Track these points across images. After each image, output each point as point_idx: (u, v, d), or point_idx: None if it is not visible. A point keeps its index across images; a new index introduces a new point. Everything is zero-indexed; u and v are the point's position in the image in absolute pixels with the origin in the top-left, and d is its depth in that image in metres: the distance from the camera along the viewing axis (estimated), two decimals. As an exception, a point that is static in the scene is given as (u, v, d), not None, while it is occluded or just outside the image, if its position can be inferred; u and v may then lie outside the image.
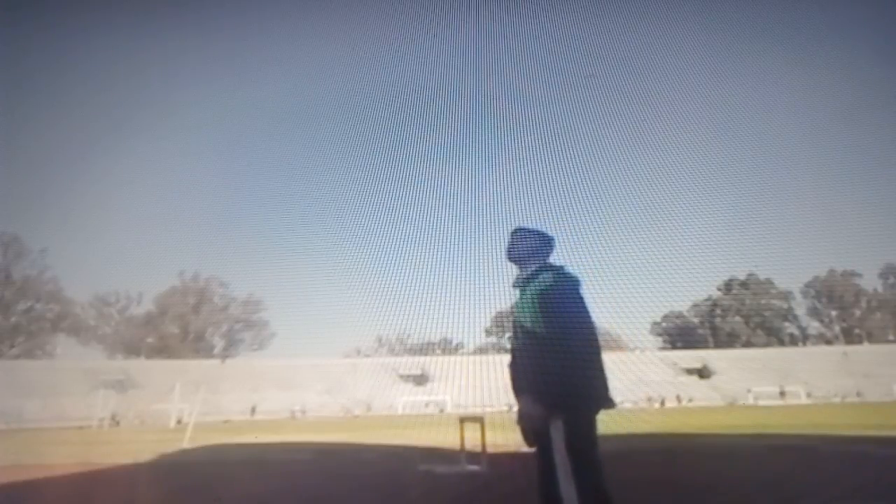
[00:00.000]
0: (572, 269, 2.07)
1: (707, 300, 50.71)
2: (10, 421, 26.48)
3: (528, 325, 1.95)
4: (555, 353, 1.85)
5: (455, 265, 3.78)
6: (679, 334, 51.26)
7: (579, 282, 2.01)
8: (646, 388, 33.18)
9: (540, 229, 2.25)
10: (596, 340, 1.91)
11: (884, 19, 6.20)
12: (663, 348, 48.18)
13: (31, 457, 9.43)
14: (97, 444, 12.62)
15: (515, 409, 1.93)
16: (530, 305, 1.96)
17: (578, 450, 1.75)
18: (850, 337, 48.54)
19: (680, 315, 52.14)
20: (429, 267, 3.91)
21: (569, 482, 1.70)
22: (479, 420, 6.39)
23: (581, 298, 1.95)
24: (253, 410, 32.08)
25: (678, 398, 34.60)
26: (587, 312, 1.93)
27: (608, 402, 1.85)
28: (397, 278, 4.08)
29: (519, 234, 2.23)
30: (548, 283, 1.98)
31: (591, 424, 1.82)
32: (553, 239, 2.21)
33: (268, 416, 31.02)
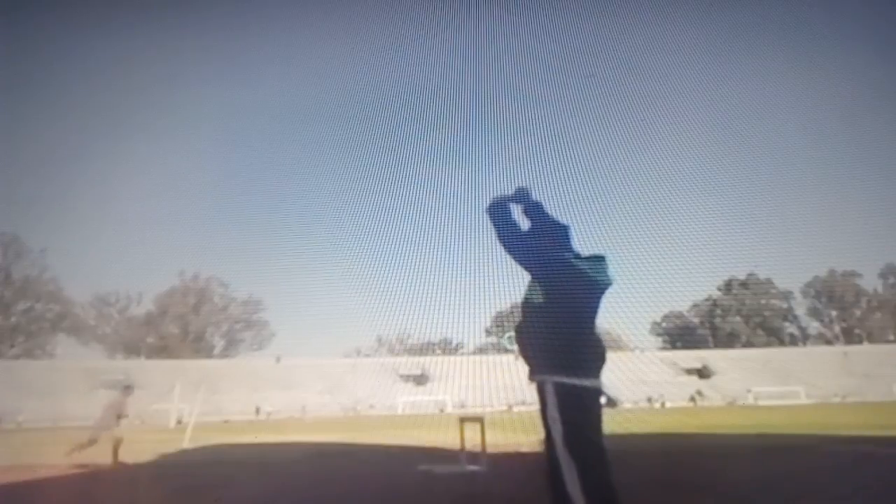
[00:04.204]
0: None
1: (707, 300, 50.73)
2: (10, 421, 26.48)
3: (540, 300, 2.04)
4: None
5: (455, 265, 3.77)
6: (679, 334, 51.27)
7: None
8: (646, 387, 33.18)
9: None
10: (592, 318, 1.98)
11: (884, 19, 6.19)
12: (663, 348, 48.19)
13: (31, 457, 9.43)
14: (97, 444, 12.59)
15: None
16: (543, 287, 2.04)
17: (582, 446, 1.75)
18: (850, 337, 48.56)
19: (680, 315, 52.18)
20: (429, 267, 3.90)
21: (574, 480, 1.70)
22: (479, 420, 6.39)
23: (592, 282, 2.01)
24: (258, 411, 32.17)
25: (694, 397, 34.54)
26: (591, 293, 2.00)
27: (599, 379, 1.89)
28: (397, 278, 4.07)
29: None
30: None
31: (596, 417, 1.84)
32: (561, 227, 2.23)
33: (261, 417, 31.06)
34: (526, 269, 2.09)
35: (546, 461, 1.81)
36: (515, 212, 2.21)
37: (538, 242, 2.11)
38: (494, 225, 2.20)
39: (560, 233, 2.13)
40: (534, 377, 1.93)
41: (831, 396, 34.93)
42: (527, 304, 2.07)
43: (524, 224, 2.20)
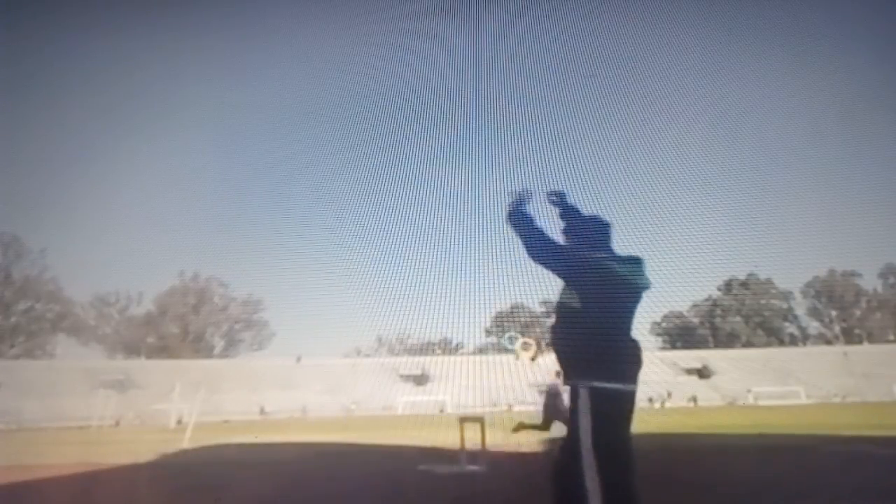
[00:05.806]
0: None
1: (707, 300, 50.69)
2: (9, 421, 26.47)
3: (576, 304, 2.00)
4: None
5: (455, 265, 3.78)
6: (679, 334, 51.24)
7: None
8: (646, 387, 33.09)
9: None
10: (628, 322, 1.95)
11: (884, 19, 6.20)
12: (663, 348, 48.17)
13: (31, 457, 9.43)
14: (97, 444, 12.63)
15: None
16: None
17: (611, 452, 1.74)
18: (850, 337, 48.51)
19: (680, 315, 52.10)
20: (429, 267, 3.91)
21: (593, 476, 1.68)
22: (479, 420, 6.39)
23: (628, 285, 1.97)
24: (262, 411, 32.25)
25: (694, 399, 34.45)
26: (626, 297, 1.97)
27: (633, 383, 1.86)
28: (397, 278, 4.07)
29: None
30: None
31: (627, 422, 1.83)
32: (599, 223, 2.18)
33: (266, 417, 31.07)
34: (557, 273, 2.02)
35: (565, 464, 1.78)
36: (537, 218, 2.12)
37: (568, 246, 2.05)
38: (519, 234, 2.09)
39: (596, 233, 2.07)
40: (568, 381, 1.89)
41: (831, 396, 34.91)
42: (561, 307, 2.02)
43: (552, 228, 2.12)
